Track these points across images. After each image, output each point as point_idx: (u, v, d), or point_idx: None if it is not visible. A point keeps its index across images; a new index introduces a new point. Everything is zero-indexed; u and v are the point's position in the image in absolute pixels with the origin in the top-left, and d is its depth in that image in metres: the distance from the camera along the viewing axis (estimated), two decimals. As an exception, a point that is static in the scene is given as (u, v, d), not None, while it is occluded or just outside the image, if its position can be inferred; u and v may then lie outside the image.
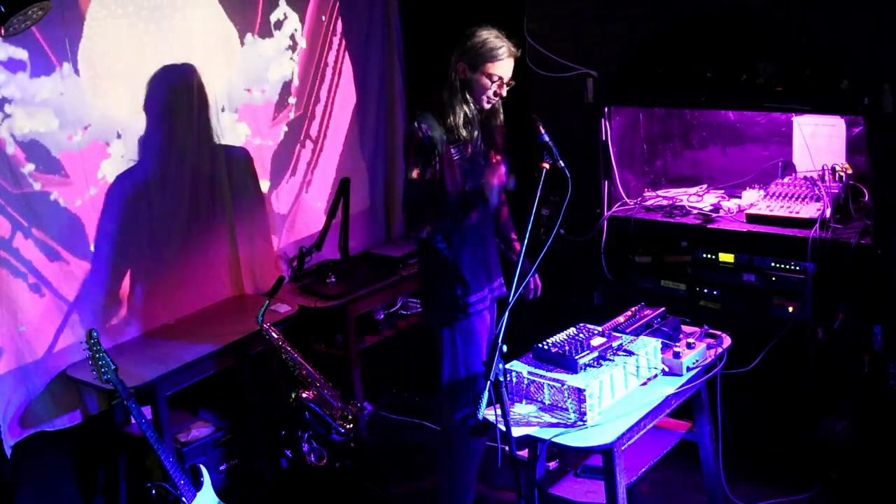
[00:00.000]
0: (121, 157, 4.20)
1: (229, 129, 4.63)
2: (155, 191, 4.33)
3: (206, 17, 4.49)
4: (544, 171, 3.31)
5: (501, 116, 3.79)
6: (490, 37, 3.59)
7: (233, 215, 4.68)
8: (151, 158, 4.31)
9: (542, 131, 3.42)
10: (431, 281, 3.80)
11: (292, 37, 4.90)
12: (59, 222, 4.02)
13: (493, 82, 3.59)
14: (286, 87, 4.90)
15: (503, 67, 3.59)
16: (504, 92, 3.65)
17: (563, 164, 3.33)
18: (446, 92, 3.64)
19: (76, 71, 4.00)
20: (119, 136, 4.19)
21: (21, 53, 3.83)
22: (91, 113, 4.09)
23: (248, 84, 4.72)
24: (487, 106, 3.68)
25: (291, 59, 4.91)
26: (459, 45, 3.63)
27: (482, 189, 3.64)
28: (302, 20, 4.93)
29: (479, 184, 3.65)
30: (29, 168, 3.89)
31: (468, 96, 3.63)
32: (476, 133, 3.67)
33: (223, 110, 4.59)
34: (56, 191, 4.00)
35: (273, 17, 4.80)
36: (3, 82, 3.79)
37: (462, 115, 3.62)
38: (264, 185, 4.86)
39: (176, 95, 4.37)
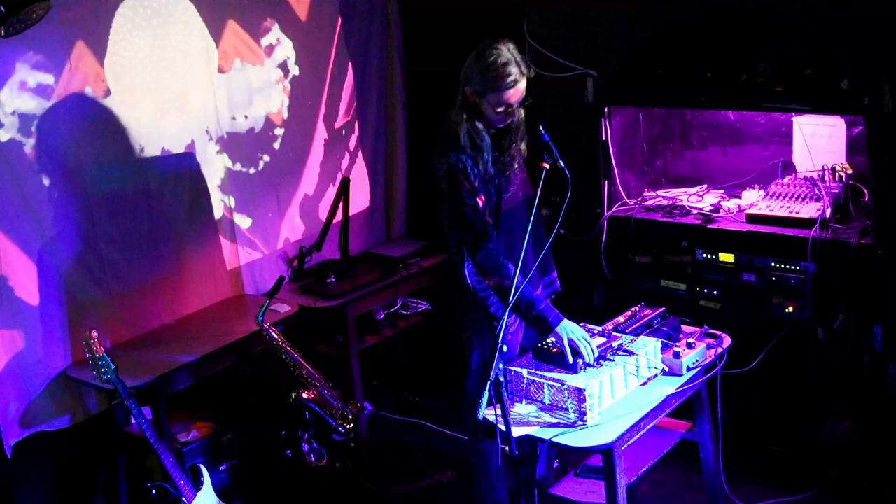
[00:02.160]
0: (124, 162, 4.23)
1: (217, 157, 4.64)
2: (155, 191, 4.33)
3: (194, 39, 4.46)
4: (544, 170, 3.29)
5: (523, 145, 3.56)
6: (498, 60, 3.33)
7: (232, 215, 4.68)
8: (151, 161, 4.31)
9: (542, 131, 3.40)
10: (466, 304, 3.60)
11: (284, 64, 4.85)
12: (59, 223, 4.02)
13: (499, 111, 3.40)
14: (280, 111, 4.89)
15: (512, 95, 3.36)
16: (516, 116, 3.45)
17: (563, 164, 3.31)
18: (456, 114, 3.44)
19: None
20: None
21: (48, 79, 3.88)
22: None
23: (235, 110, 4.69)
24: (502, 125, 3.47)
25: (286, 84, 4.87)
26: (466, 65, 3.40)
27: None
28: (296, 47, 4.87)
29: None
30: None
31: (477, 121, 3.41)
32: (489, 156, 3.43)
33: (210, 139, 4.58)
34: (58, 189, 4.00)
35: (265, 42, 4.74)
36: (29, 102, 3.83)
37: (475, 139, 3.40)
38: (264, 186, 4.86)
39: (174, 107, 4.39)
